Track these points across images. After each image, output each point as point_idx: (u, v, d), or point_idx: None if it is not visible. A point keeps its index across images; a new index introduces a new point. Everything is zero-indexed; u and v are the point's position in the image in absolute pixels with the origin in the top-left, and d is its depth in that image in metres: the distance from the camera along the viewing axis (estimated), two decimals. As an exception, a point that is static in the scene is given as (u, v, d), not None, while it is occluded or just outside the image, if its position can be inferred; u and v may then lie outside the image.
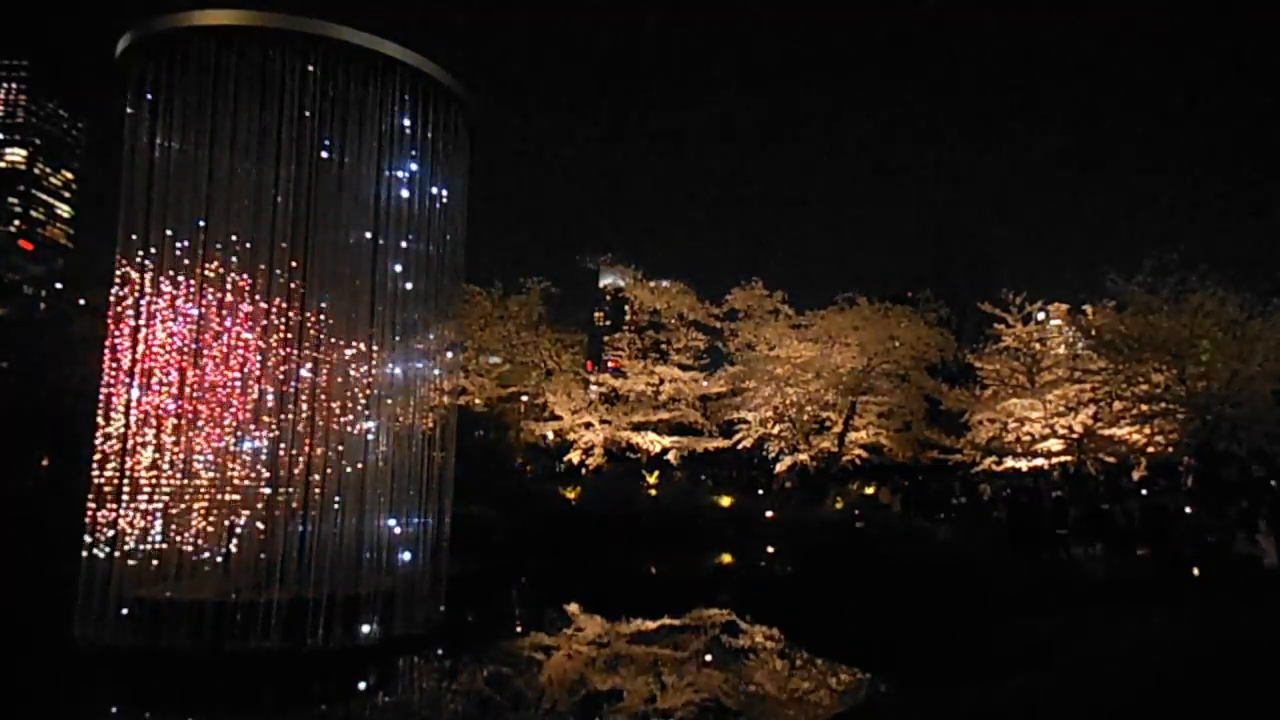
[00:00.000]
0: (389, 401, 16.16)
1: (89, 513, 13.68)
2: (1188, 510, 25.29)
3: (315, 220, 15.17)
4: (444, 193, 16.48)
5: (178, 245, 14.36)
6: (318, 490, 14.53)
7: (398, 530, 15.55)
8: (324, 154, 15.17)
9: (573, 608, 20.27)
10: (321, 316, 15.18)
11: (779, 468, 38.76)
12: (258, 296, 14.66)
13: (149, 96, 14.38)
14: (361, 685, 13.62)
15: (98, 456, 13.88)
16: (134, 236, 14.20)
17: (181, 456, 14.19)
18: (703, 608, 20.10)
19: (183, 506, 14.06)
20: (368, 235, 15.42)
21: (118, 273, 14.33)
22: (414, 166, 15.78)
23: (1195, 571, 18.35)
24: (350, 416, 15.36)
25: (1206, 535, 20.25)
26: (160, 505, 13.91)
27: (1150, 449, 27.86)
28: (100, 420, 13.99)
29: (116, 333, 14.40)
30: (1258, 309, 25.99)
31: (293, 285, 14.83)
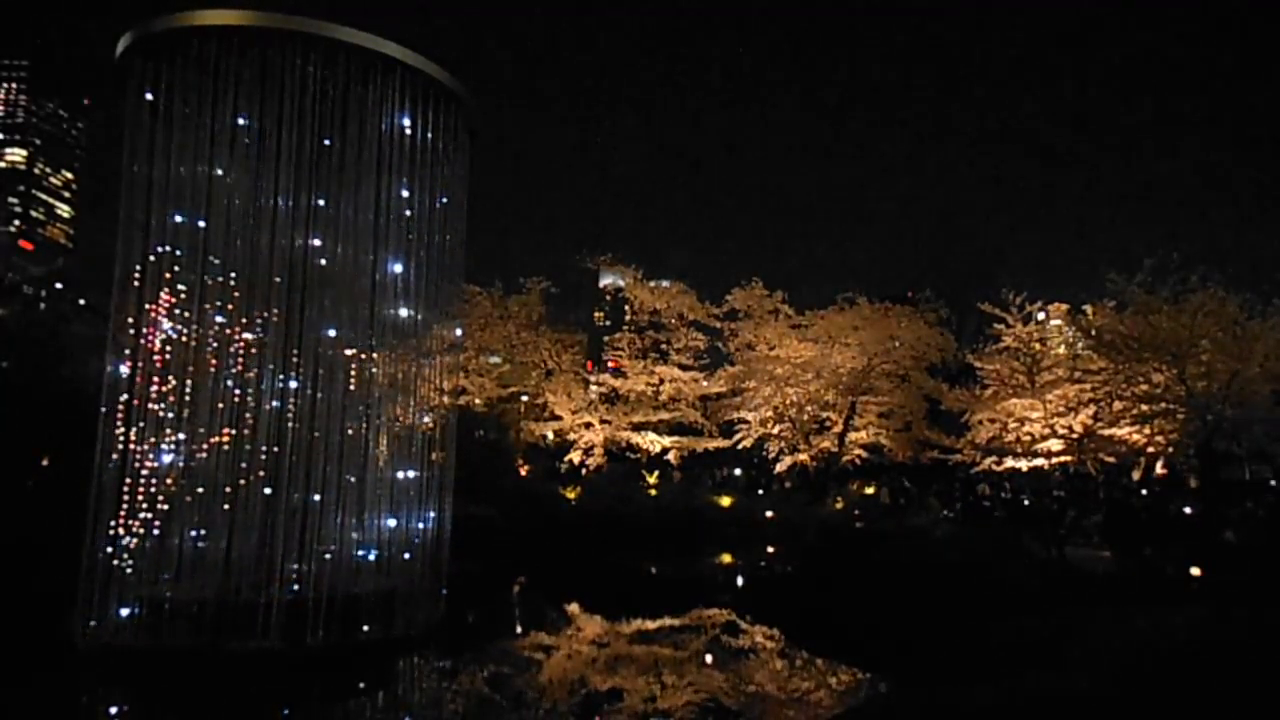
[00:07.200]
0: (389, 402, 16.16)
1: (89, 512, 13.66)
2: (1187, 510, 25.29)
3: (315, 220, 15.18)
4: (444, 193, 16.48)
5: (178, 246, 14.37)
6: (318, 491, 14.52)
7: (398, 530, 15.55)
8: (324, 154, 15.15)
9: (573, 608, 20.28)
10: (322, 317, 15.17)
11: (779, 468, 38.76)
12: (258, 296, 14.65)
13: (149, 96, 14.38)
14: (361, 685, 13.62)
15: (98, 456, 13.87)
16: (134, 237, 14.20)
17: (182, 457, 14.20)
18: (703, 608, 20.11)
19: (183, 507, 14.05)
20: (368, 235, 15.41)
21: (118, 273, 14.32)
22: (414, 166, 15.76)
23: (1195, 571, 18.38)
24: (351, 417, 15.36)
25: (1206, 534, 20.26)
26: (161, 505, 13.89)
27: (1150, 449, 27.85)
28: (101, 420, 13.98)
29: (118, 333, 14.39)
30: (1258, 309, 25.98)
31: (293, 285, 14.82)
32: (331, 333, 15.32)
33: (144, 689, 12.67)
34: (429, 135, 15.77)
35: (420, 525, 15.89)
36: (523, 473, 37.13)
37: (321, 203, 15.29)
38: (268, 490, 14.25)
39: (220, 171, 14.61)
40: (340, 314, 15.34)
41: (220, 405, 14.25)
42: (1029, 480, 33.99)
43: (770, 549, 28.82)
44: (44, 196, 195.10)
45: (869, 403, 37.67)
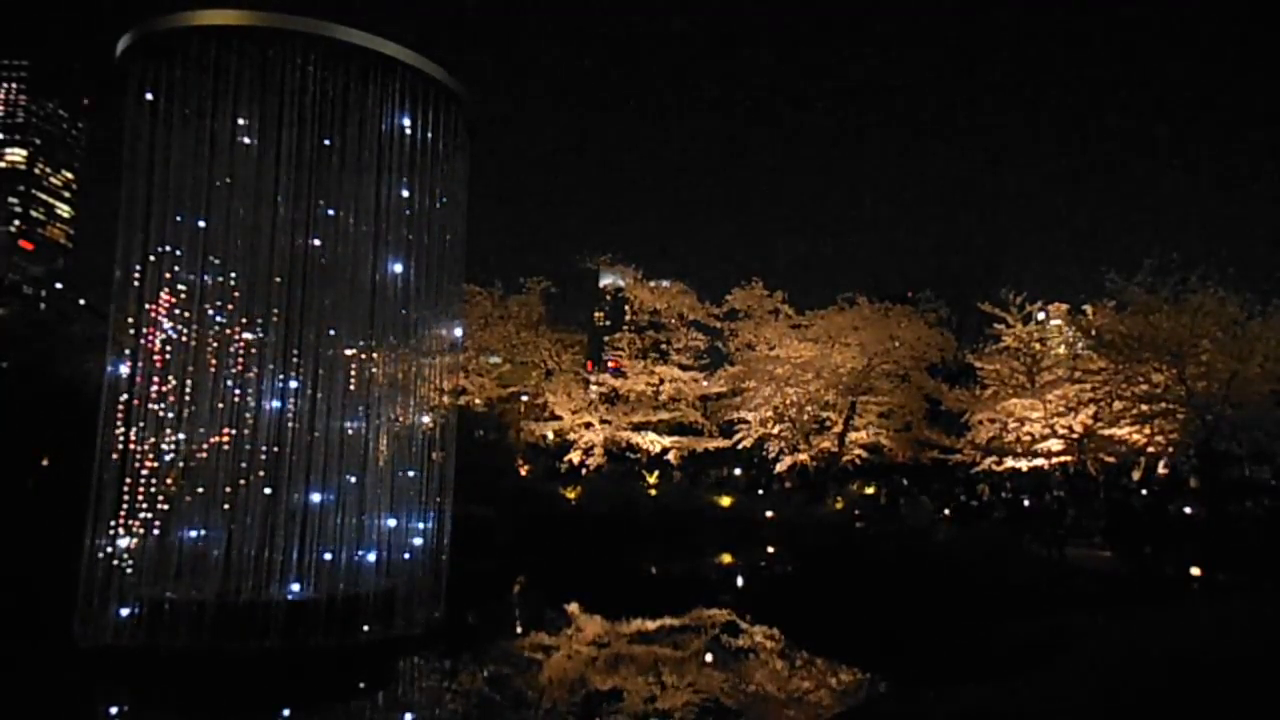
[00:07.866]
0: (389, 402, 16.16)
1: (89, 512, 13.66)
2: (1187, 510, 25.29)
3: (315, 220, 15.18)
4: (444, 193, 16.48)
5: (178, 246, 14.38)
6: (318, 491, 14.52)
7: (398, 530, 15.55)
8: (324, 154, 15.15)
9: (573, 608, 20.28)
10: (322, 317, 15.17)
11: (779, 468, 38.76)
12: (258, 296, 14.65)
13: (149, 96, 14.37)
14: (361, 685, 13.62)
15: (98, 456, 13.86)
16: (134, 237, 14.20)
17: (182, 457, 14.19)
18: (703, 608, 20.11)
19: (183, 507, 14.05)
20: (368, 235, 15.41)
21: (118, 273, 14.31)
22: (414, 166, 15.76)
23: (1195, 571, 18.39)
24: (351, 417, 15.36)
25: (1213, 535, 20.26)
26: (161, 505, 13.89)
27: (1150, 449, 27.86)
28: (101, 420, 13.97)
29: (118, 333, 14.39)
30: (1258, 309, 25.99)
31: (293, 285, 14.82)
32: (331, 333, 15.31)
33: (144, 689, 12.67)
34: (429, 135, 15.75)
35: (420, 525, 15.89)
36: (523, 473, 37.14)
37: (321, 202, 15.29)
38: (268, 490, 14.25)
39: (220, 171, 14.59)
40: (340, 314, 15.33)
41: (220, 405, 14.24)
42: (1029, 480, 34.01)
43: (770, 549, 28.83)
44: (44, 196, 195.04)
45: (869, 403, 37.68)
